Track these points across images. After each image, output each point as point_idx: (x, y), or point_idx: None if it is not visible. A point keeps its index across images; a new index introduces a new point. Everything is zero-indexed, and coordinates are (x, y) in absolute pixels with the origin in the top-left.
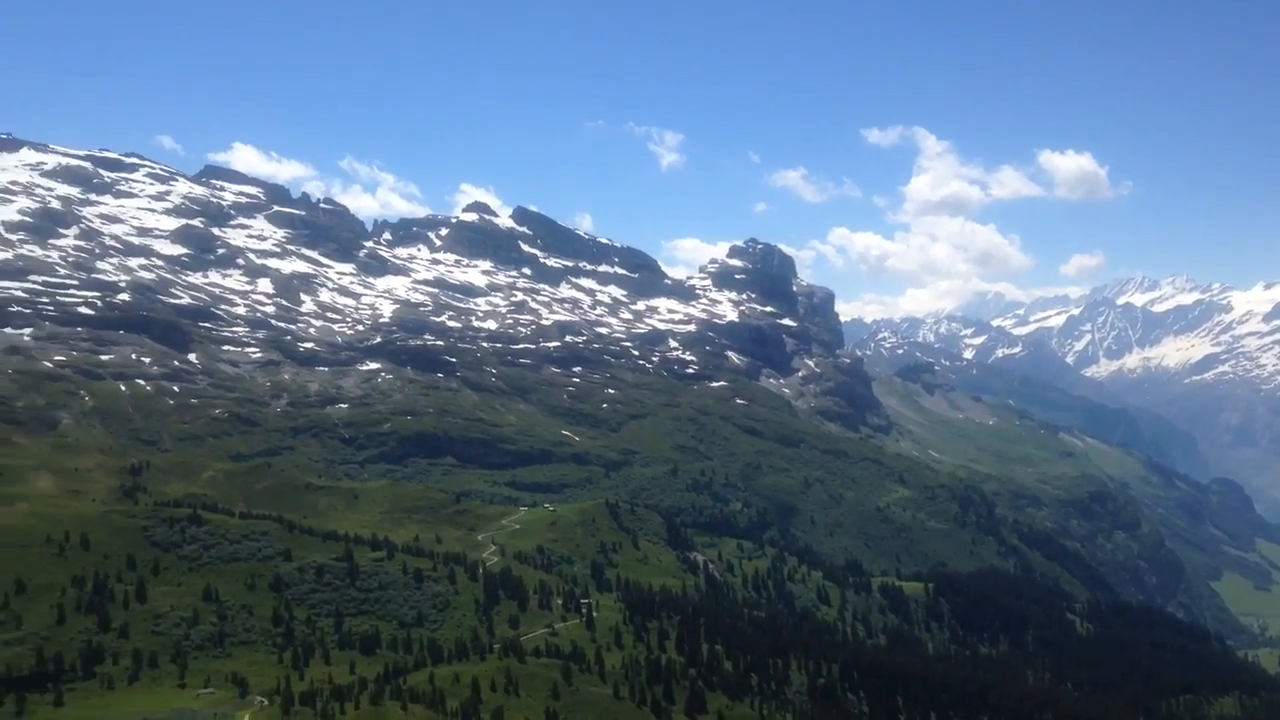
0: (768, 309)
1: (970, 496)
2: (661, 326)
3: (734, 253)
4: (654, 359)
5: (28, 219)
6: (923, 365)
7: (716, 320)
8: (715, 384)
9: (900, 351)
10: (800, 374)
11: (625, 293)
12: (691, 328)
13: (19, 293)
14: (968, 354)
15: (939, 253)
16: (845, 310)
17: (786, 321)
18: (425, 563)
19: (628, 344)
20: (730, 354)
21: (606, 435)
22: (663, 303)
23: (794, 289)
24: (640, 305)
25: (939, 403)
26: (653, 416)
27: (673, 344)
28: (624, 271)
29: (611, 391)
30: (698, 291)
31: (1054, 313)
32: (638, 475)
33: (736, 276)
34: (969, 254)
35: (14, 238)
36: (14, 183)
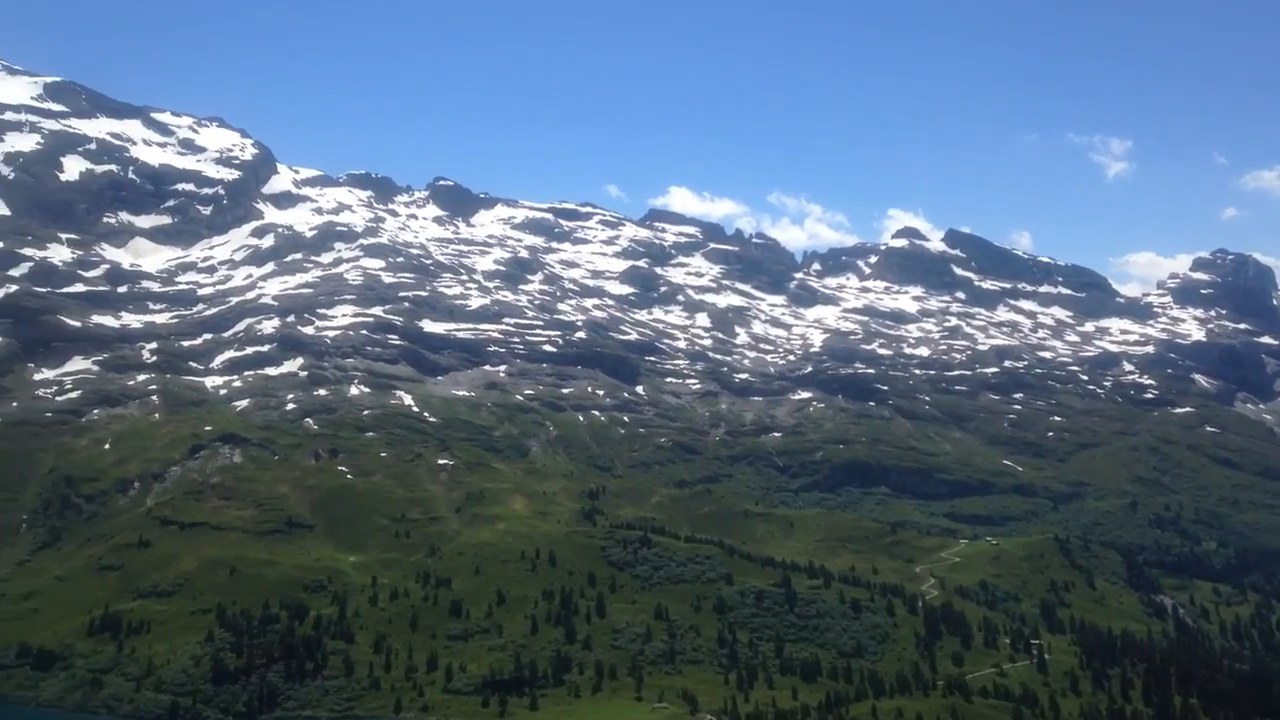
0: (1242, 326)
1: None
2: (1114, 349)
3: (1198, 265)
4: (1105, 383)
5: (501, 267)
6: None
7: (1179, 340)
8: (1179, 410)
9: None
10: None
11: (1070, 314)
12: (1149, 349)
13: (495, 334)
14: None
15: None
16: None
17: (1266, 339)
18: (862, 593)
19: (1075, 368)
20: (1197, 377)
21: (1053, 465)
22: (1114, 323)
23: (1275, 302)
24: (1088, 326)
25: None
26: (1105, 446)
27: (1127, 367)
28: (1068, 291)
29: (1057, 419)
30: (1155, 309)
31: None
32: (1090, 509)
33: (1202, 291)
34: None
35: (491, 285)
36: (491, 236)
